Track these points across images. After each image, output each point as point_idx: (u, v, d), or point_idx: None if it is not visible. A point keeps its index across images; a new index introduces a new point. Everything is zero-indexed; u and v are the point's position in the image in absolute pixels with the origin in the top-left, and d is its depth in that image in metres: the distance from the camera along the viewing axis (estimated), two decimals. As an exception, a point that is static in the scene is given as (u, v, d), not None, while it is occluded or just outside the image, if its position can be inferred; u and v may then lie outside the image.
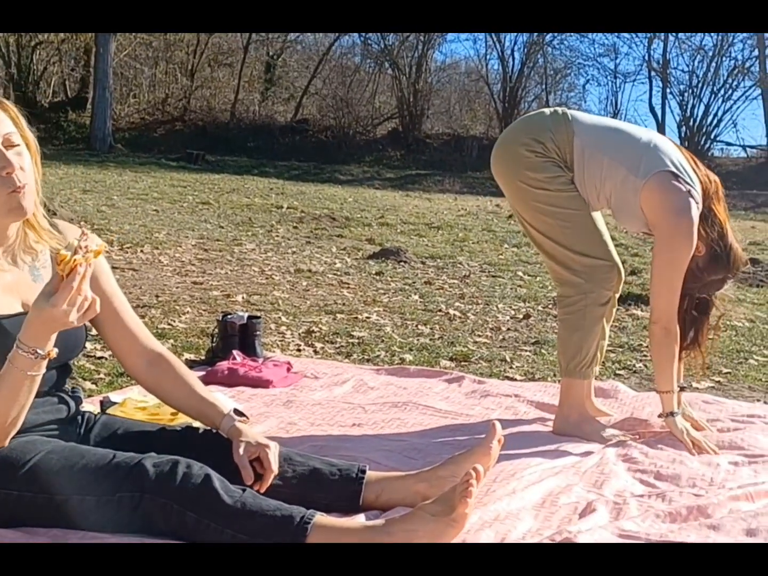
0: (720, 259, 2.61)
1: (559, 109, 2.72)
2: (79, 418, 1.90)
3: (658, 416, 2.67)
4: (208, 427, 1.92)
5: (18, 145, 1.65)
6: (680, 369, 2.79)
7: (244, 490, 1.65)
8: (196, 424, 2.03)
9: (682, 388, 2.80)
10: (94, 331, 1.94)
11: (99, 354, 3.44)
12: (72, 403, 1.86)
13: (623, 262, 7.43)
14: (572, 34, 22.92)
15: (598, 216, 2.79)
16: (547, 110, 2.75)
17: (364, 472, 1.92)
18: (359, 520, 1.82)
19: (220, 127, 21.81)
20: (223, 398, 2.42)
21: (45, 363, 1.56)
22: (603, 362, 3.76)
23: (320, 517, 1.64)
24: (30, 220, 1.73)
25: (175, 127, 21.85)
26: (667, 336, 2.58)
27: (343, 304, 4.98)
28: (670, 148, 2.64)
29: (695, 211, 2.55)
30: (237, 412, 1.91)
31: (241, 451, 1.77)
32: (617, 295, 2.82)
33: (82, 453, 1.68)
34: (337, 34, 23.44)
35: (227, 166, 17.41)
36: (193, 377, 1.95)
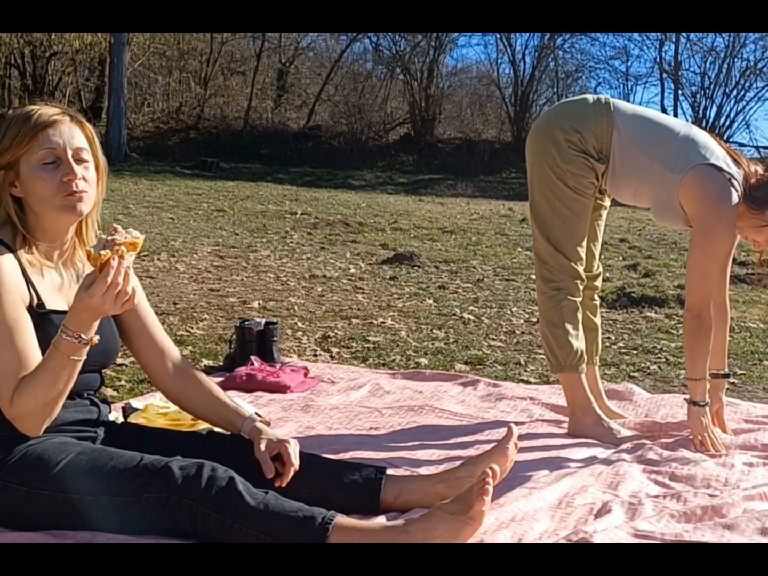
0: None
1: (602, 98, 2.72)
2: (107, 423, 1.96)
3: (684, 399, 2.67)
4: (230, 432, 1.98)
5: (87, 161, 1.78)
6: (725, 356, 2.79)
7: (266, 493, 1.69)
8: (218, 429, 2.08)
9: (725, 375, 2.80)
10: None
11: (119, 361, 3.49)
12: (103, 408, 1.94)
13: (636, 264, 7.41)
14: (582, 37, 22.91)
15: (598, 228, 2.87)
16: (590, 97, 2.74)
17: (383, 472, 1.96)
18: (379, 521, 1.86)
19: (233, 134, 21.88)
20: (243, 404, 2.47)
21: (86, 349, 1.66)
22: (617, 365, 3.80)
23: (341, 518, 1.68)
24: (83, 235, 1.87)
25: (190, 136, 21.94)
26: (699, 324, 2.57)
27: (358, 309, 5.02)
28: (710, 141, 2.64)
29: (735, 200, 2.53)
30: (258, 415, 1.97)
31: (262, 447, 1.85)
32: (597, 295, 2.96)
33: (110, 455, 1.74)
34: (348, 41, 23.53)
35: (241, 173, 17.48)
36: (215, 387, 2.03)
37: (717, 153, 2.59)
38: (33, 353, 1.69)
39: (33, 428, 1.69)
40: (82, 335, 1.63)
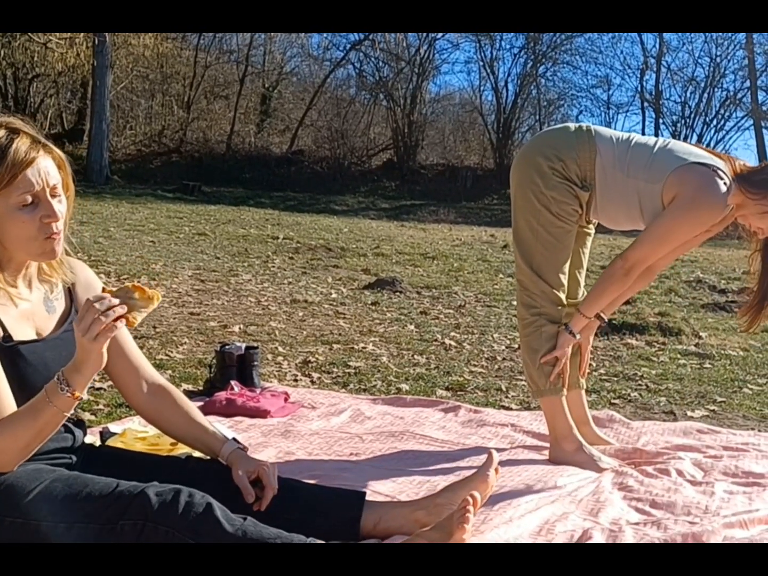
0: None
1: (584, 125, 2.75)
2: (83, 448, 1.93)
3: (564, 324, 2.74)
4: (208, 457, 1.95)
5: (60, 195, 1.73)
6: (615, 307, 2.92)
7: (245, 519, 1.67)
8: (196, 453, 2.05)
9: (609, 321, 2.93)
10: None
11: (98, 385, 3.46)
12: (77, 432, 1.90)
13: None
14: (564, 65, 23.21)
15: (583, 256, 2.91)
16: (572, 126, 2.77)
17: (362, 497, 1.95)
18: (358, 548, 1.84)
19: (216, 158, 21.92)
20: (222, 429, 2.45)
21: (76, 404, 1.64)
22: (598, 391, 3.80)
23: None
24: None
25: (172, 159, 21.96)
26: (623, 276, 2.66)
27: (340, 334, 5.01)
28: (689, 147, 2.68)
29: (721, 185, 2.55)
30: (235, 441, 1.95)
31: (240, 472, 1.83)
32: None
33: (85, 481, 1.71)
34: (332, 66, 23.70)
35: (223, 197, 17.49)
36: (192, 407, 1.99)
37: (699, 153, 2.63)
38: (3, 391, 1.65)
39: (6, 467, 1.66)
40: (82, 396, 1.63)
